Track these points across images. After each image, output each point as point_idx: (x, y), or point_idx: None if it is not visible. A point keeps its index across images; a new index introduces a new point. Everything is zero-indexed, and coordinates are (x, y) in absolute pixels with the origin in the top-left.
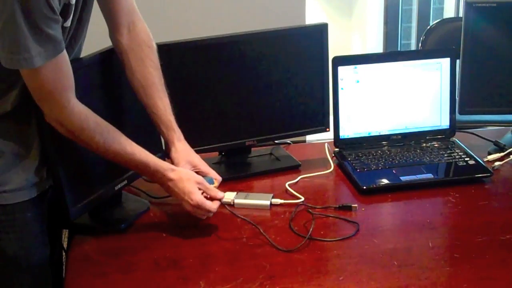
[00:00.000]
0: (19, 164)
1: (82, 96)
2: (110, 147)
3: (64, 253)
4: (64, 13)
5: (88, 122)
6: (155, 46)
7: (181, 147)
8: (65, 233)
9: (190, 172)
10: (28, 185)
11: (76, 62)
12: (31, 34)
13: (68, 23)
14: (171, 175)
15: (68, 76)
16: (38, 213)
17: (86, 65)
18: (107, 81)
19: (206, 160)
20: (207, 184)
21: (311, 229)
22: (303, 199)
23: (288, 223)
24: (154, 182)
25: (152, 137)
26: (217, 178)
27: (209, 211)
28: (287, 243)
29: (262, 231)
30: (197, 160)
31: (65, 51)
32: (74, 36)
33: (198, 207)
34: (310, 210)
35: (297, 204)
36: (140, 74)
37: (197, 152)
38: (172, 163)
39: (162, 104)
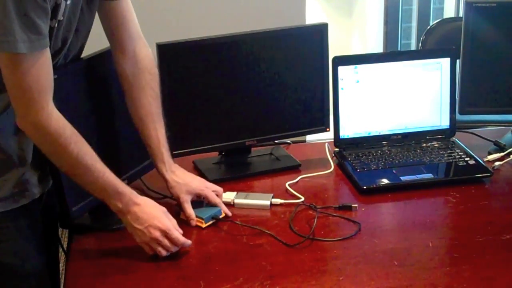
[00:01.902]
0: (9, 172)
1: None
2: (82, 160)
3: (64, 254)
4: (54, 13)
5: (65, 128)
6: (157, 73)
7: (173, 179)
8: (65, 233)
9: (155, 202)
10: (19, 193)
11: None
12: (18, 18)
13: (54, 24)
14: (138, 200)
15: (49, 77)
16: (31, 220)
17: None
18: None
19: (206, 160)
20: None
21: (313, 226)
22: (303, 199)
23: (288, 223)
24: (114, 209)
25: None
26: (226, 212)
27: (176, 240)
28: (287, 243)
29: (262, 229)
30: (199, 186)
31: (48, 50)
32: (69, 47)
33: (166, 233)
34: (314, 206)
35: (297, 204)
36: (139, 103)
37: (197, 152)
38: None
39: (156, 135)
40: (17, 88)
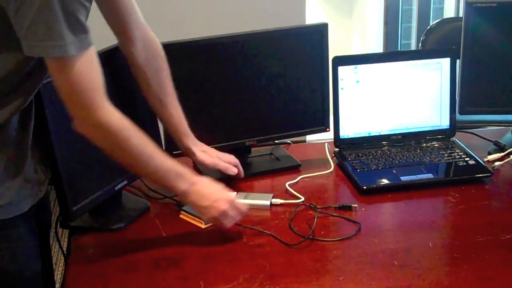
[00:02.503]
0: (12, 179)
1: None
2: (144, 150)
3: (63, 254)
4: None
5: (123, 123)
6: (164, 55)
7: (200, 149)
8: (65, 233)
9: (210, 179)
10: (21, 199)
11: None
12: (66, 21)
13: None
14: (196, 179)
15: (100, 74)
16: (29, 226)
17: None
18: (108, 82)
19: None
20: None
21: (313, 226)
22: (303, 199)
23: (288, 223)
24: (177, 192)
25: (154, 137)
26: (240, 172)
27: (242, 208)
28: (287, 243)
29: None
30: (217, 154)
31: (94, 47)
32: None
33: (233, 203)
34: (314, 206)
35: (297, 204)
36: (157, 86)
37: None
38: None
39: (176, 113)
40: (71, 92)
